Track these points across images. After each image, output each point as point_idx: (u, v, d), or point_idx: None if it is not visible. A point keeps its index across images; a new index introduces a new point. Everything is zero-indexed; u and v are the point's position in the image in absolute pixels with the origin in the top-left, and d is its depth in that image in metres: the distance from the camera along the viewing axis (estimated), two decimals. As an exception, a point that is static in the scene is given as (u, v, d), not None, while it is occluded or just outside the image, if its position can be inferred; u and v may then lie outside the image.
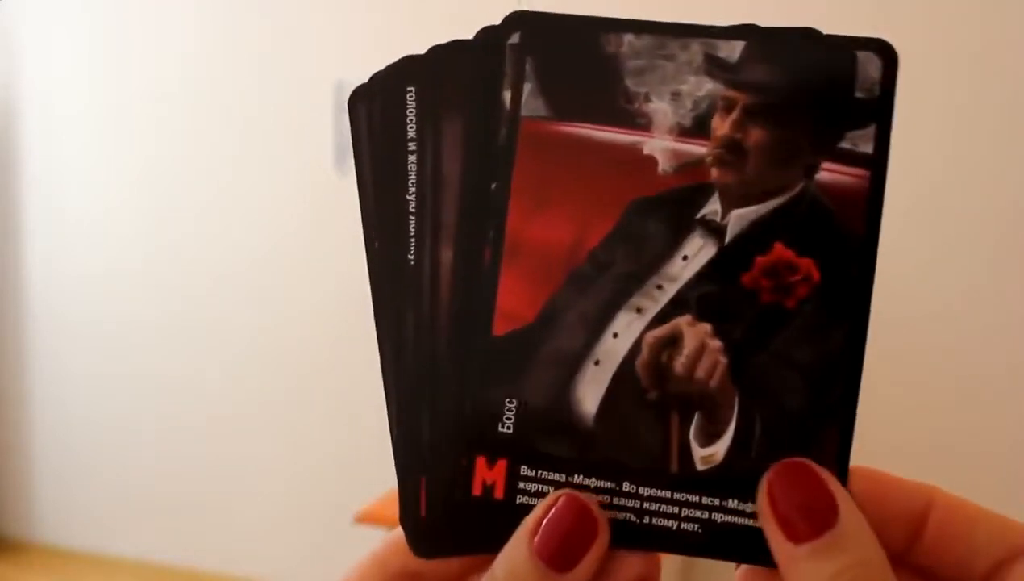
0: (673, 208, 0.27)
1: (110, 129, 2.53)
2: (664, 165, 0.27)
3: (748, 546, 0.26)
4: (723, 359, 0.26)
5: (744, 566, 0.27)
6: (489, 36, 0.28)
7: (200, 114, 2.44)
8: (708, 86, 0.26)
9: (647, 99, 0.26)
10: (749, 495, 0.26)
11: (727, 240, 0.26)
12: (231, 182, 2.42)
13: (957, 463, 1.86)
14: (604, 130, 0.27)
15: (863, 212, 0.26)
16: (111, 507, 2.59)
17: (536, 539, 0.26)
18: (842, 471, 0.26)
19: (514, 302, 0.27)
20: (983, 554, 0.26)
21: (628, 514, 0.27)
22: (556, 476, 0.27)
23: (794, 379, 0.26)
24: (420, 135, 0.28)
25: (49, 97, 2.58)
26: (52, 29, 2.57)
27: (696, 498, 0.27)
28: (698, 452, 0.27)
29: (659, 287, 0.27)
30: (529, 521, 0.26)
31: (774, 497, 0.25)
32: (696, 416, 0.27)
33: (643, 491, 0.27)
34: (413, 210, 0.28)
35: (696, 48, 0.26)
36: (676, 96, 0.26)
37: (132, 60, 2.51)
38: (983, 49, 1.84)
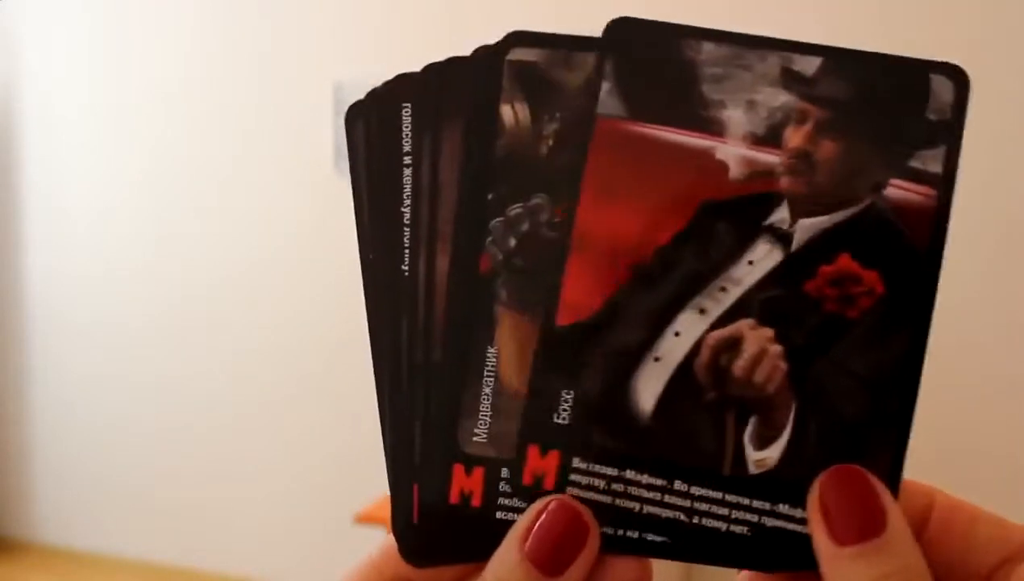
0: (742, 214, 0.27)
1: (110, 129, 2.54)
2: (735, 172, 0.27)
3: (795, 552, 0.27)
4: (783, 364, 0.27)
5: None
6: (487, 53, 0.28)
7: (200, 114, 2.44)
8: (783, 98, 0.27)
9: (722, 106, 0.27)
10: (800, 501, 0.26)
11: (793, 248, 0.27)
12: (231, 182, 2.43)
13: (957, 463, 1.86)
14: (678, 133, 0.27)
15: (929, 229, 0.27)
16: (111, 507, 2.60)
17: (527, 543, 0.26)
18: (894, 482, 0.26)
19: (578, 294, 0.27)
20: (983, 554, 0.26)
21: (678, 513, 0.27)
22: (609, 470, 0.27)
23: (853, 388, 0.27)
24: (416, 148, 0.28)
25: (49, 97, 2.59)
26: (52, 29, 2.58)
27: (747, 501, 0.27)
28: (752, 455, 0.27)
29: (723, 289, 0.27)
30: (520, 526, 0.26)
31: (825, 499, 0.25)
32: (752, 419, 0.27)
33: (694, 490, 0.27)
34: (408, 222, 0.28)
35: (773, 60, 0.27)
36: (751, 105, 0.27)
37: (132, 60, 2.51)
38: (983, 50, 1.84)
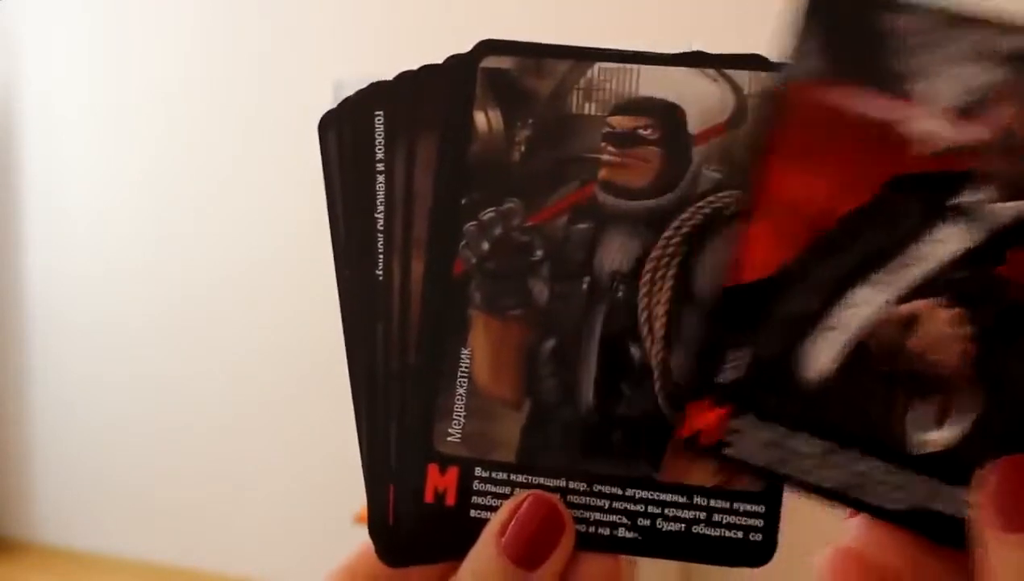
0: (932, 190, 0.26)
1: (110, 129, 2.54)
2: (928, 146, 0.26)
3: (945, 531, 0.26)
4: (971, 347, 0.26)
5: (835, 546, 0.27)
6: (459, 61, 0.29)
7: (200, 114, 2.45)
8: (988, 75, 0.26)
9: (924, 76, 0.26)
10: (964, 483, 0.26)
11: (986, 231, 0.26)
12: (231, 182, 2.43)
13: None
14: (875, 99, 0.27)
15: None
16: (111, 507, 2.60)
17: (504, 538, 0.26)
18: None
19: (759, 254, 0.27)
20: None
21: (846, 477, 0.27)
22: (770, 434, 0.27)
23: None
24: (388, 156, 0.29)
25: (49, 97, 2.59)
26: (52, 29, 2.58)
27: (909, 477, 0.27)
28: (919, 435, 0.26)
29: (906, 266, 0.26)
30: (496, 521, 0.27)
31: (999, 484, 0.25)
32: (924, 399, 0.26)
33: (861, 461, 0.27)
34: (381, 229, 0.29)
35: (982, 35, 0.26)
36: (951, 79, 0.26)
37: (132, 60, 2.51)
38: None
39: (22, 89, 2.61)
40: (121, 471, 2.58)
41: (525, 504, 0.27)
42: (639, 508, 0.28)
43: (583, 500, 0.28)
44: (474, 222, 0.28)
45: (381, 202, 0.29)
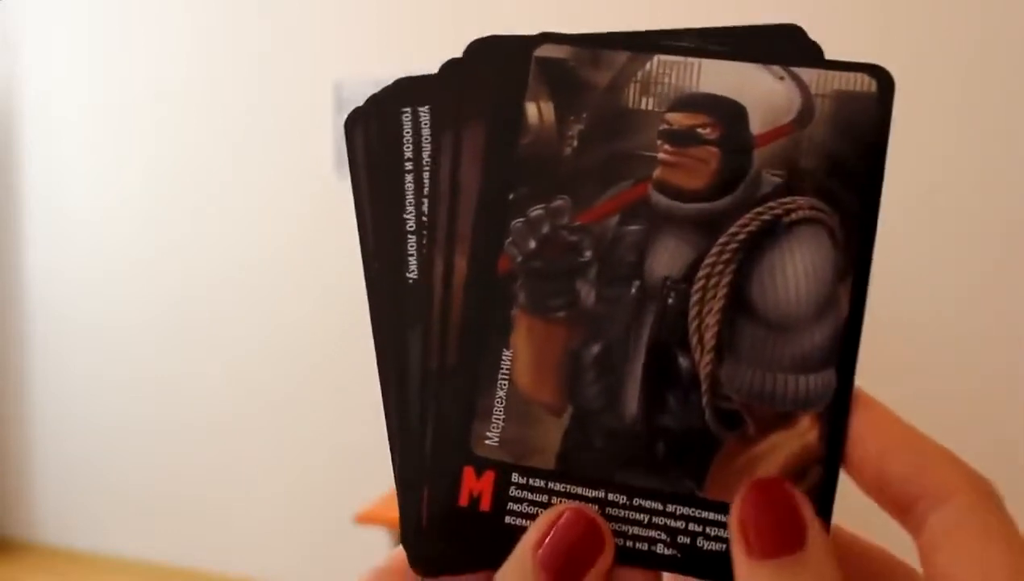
0: None
1: (110, 129, 2.53)
2: None
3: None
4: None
5: None
6: (513, 50, 0.28)
7: (200, 114, 2.44)
8: None
9: None
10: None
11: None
12: (231, 182, 2.43)
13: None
14: None
15: None
16: (111, 507, 2.59)
17: (541, 551, 0.25)
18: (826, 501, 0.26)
19: None
20: (896, 483, 0.25)
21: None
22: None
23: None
24: (417, 153, 0.28)
25: (49, 97, 2.59)
26: (52, 29, 2.58)
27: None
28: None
29: None
30: (533, 533, 0.26)
31: (744, 514, 0.24)
32: None
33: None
34: (412, 229, 0.28)
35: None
36: None
37: (132, 60, 2.51)
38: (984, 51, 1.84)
39: (22, 89, 2.61)
40: (121, 471, 2.58)
41: (564, 517, 0.26)
42: (679, 525, 0.26)
43: (622, 513, 0.27)
44: (521, 218, 0.27)
45: (410, 202, 0.28)
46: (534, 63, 0.27)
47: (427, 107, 0.28)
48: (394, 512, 0.28)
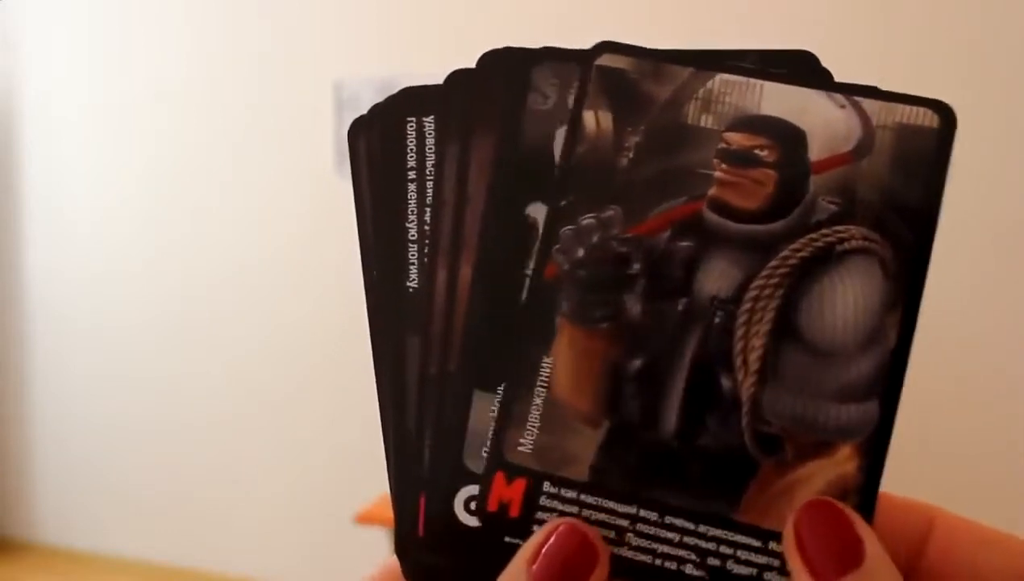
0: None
1: (110, 129, 2.53)
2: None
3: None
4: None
5: None
6: (508, 61, 0.28)
7: (200, 114, 2.44)
8: None
9: None
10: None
11: None
12: (231, 182, 2.43)
13: (956, 464, 1.86)
14: None
15: None
16: (111, 507, 2.60)
17: (535, 566, 0.25)
18: (868, 505, 0.26)
19: None
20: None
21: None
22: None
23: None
24: (420, 162, 0.28)
25: (49, 97, 2.59)
26: (52, 29, 2.58)
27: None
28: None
29: None
30: (528, 548, 0.26)
31: (801, 536, 0.25)
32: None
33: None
34: (414, 238, 0.28)
35: None
36: None
37: (132, 60, 2.51)
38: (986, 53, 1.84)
39: (22, 89, 2.61)
40: (121, 471, 2.58)
41: (559, 531, 0.26)
42: (710, 546, 0.26)
43: (652, 530, 0.26)
44: (571, 226, 0.27)
45: (412, 211, 0.28)
46: (594, 72, 0.27)
47: (432, 117, 0.28)
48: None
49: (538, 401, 0.27)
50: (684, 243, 0.27)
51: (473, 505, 0.27)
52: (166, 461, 2.54)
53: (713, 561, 0.26)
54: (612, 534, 0.27)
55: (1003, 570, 0.25)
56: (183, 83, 2.46)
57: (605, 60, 0.27)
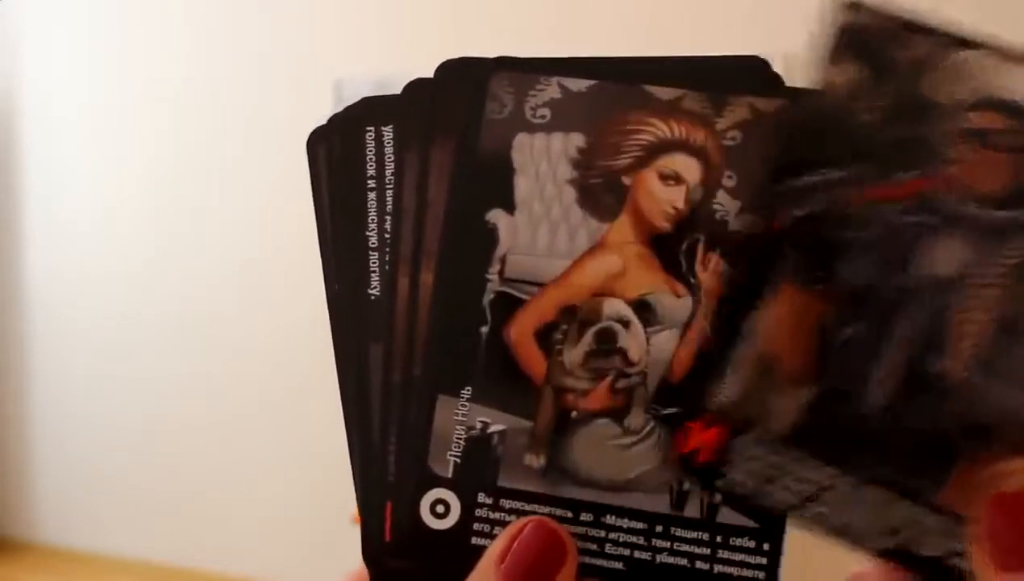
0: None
1: (110, 129, 2.54)
2: None
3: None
4: None
5: None
6: (465, 70, 0.28)
7: (200, 114, 2.45)
8: None
9: None
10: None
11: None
12: (231, 182, 2.43)
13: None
14: None
15: None
16: (111, 507, 2.60)
17: (504, 565, 0.25)
18: None
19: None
20: None
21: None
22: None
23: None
24: (380, 171, 0.28)
25: (49, 97, 2.59)
26: (52, 29, 2.58)
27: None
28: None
29: None
30: (496, 547, 0.26)
31: (991, 521, 0.24)
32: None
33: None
34: (374, 245, 0.28)
35: None
36: None
37: (132, 60, 2.51)
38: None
39: (22, 89, 2.61)
40: (121, 471, 2.58)
41: (526, 529, 0.26)
42: (900, 522, 0.26)
43: (847, 496, 0.26)
44: (803, 180, 0.26)
45: (373, 219, 0.28)
46: (842, 29, 0.26)
47: (391, 126, 0.28)
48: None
49: (747, 351, 0.27)
50: (914, 218, 0.26)
51: (440, 508, 0.27)
52: (166, 461, 2.54)
53: (904, 536, 0.26)
54: (808, 491, 0.26)
55: None
56: (183, 83, 2.46)
57: (851, 16, 0.27)
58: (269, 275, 2.41)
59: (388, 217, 0.28)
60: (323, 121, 0.28)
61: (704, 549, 0.26)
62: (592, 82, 0.28)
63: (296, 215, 2.37)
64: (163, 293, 2.51)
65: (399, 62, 2.41)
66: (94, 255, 2.56)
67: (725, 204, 0.27)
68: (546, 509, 0.27)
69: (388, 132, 0.28)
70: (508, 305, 0.28)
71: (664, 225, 0.27)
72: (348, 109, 0.28)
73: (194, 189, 2.47)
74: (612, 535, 0.27)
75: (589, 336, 0.27)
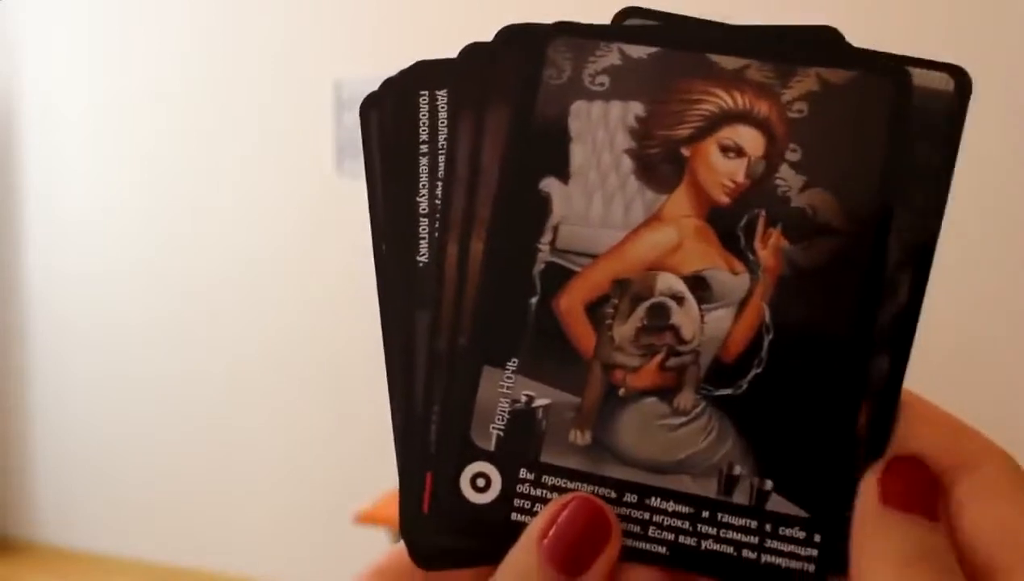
0: None
1: (110, 129, 2.53)
2: None
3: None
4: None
5: None
6: (524, 36, 0.27)
7: (200, 114, 2.44)
8: None
9: None
10: None
11: None
12: (231, 182, 2.43)
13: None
14: None
15: None
16: (111, 507, 2.59)
17: (546, 541, 0.25)
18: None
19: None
20: (930, 454, 0.25)
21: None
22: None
23: None
24: (432, 136, 0.28)
25: (49, 97, 2.59)
26: (52, 29, 2.58)
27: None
28: None
29: None
30: (539, 523, 0.25)
31: (893, 467, 0.24)
32: None
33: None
34: (425, 212, 0.28)
35: None
36: None
37: (132, 60, 2.51)
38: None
39: (22, 89, 2.61)
40: (121, 471, 2.58)
41: (570, 506, 0.25)
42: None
43: None
44: None
45: (424, 185, 0.28)
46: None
47: (445, 90, 0.28)
48: (394, 512, 0.27)
49: None
50: None
51: (480, 482, 0.26)
52: (166, 461, 2.54)
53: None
54: None
55: (944, 446, 0.25)
56: (183, 83, 2.46)
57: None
58: (269, 275, 2.40)
59: (439, 183, 0.28)
60: (375, 88, 0.27)
61: (752, 538, 0.26)
62: (654, 49, 0.27)
63: (296, 215, 2.38)
64: (163, 293, 2.50)
65: (399, 62, 2.39)
66: (94, 255, 2.56)
67: (788, 179, 0.26)
68: (589, 488, 0.26)
69: (442, 96, 0.28)
70: (559, 276, 0.27)
71: (723, 199, 0.26)
72: (401, 73, 0.28)
73: (194, 189, 2.46)
74: (656, 518, 0.26)
75: (641, 311, 0.26)
